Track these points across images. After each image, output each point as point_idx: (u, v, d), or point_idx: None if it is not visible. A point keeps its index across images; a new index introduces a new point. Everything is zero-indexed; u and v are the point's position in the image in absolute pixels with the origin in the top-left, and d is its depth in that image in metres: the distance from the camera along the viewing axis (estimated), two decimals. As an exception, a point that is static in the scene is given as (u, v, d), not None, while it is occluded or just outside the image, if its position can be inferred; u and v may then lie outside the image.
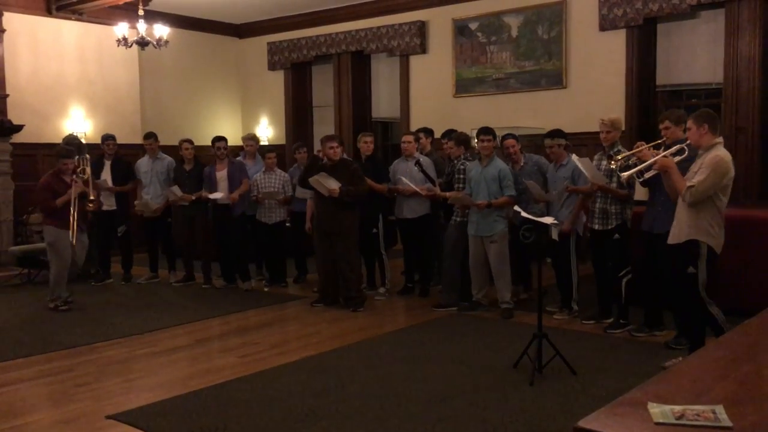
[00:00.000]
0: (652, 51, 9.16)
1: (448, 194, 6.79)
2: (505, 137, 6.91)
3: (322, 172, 6.74)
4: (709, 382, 2.30)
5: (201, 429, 3.94)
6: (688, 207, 4.58)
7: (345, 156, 7.28)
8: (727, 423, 1.92)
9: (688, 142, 4.73)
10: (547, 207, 6.39)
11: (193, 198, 7.94)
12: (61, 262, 7.07)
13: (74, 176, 7.13)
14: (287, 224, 8.21)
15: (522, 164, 6.79)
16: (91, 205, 7.24)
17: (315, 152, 8.00)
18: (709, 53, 8.72)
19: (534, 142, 8.55)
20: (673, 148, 4.83)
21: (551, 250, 6.24)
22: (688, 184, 4.51)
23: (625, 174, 5.04)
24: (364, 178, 6.96)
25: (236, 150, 9.49)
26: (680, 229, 4.67)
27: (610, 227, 5.80)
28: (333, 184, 6.68)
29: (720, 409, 1.99)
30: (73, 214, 6.96)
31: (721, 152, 4.52)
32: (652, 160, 4.81)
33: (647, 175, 5.09)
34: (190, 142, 8.26)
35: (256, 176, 8.04)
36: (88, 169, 7.41)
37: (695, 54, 8.89)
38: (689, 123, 4.68)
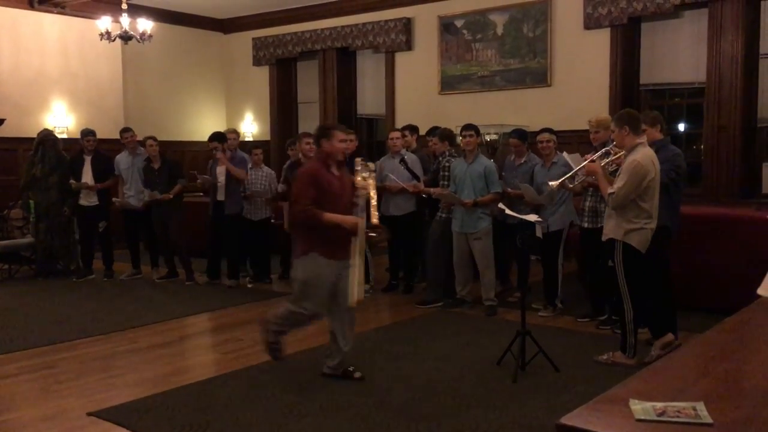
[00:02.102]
0: (636, 50, 9.22)
1: (432, 190, 6.80)
2: (510, 135, 6.95)
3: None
4: (690, 379, 2.31)
5: (183, 426, 3.92)
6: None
7: None
8: (708, 420, 1.94)
9: (614, 143, 4.83)
10: (537, 206, 6.37)
11: (171, 197, 7.96)
12: (310, 306, 4.55)
13: (359, 179, 4.69)
14: (272, 221, 8.18)
15: (522, 161, 6.79)
16: (374, 234, 4.65)
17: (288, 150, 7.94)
18: (693, 53, 8.78)
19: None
20: (601, 152, 4.97)
21: (540, 247, 6.25)
22: (609, 190, 4.62)
23: (554, 183, 5.19)
24: None
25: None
26: (605, 228, 4.81)
27: (600, 225, 5.82)
28: None
29: (701, 406, 2.01)
30: (357, 237, 4.47)
31: (638, 156, 4.57)
32: (580, 165, 4.96)
33: (577, 181, 5.22)
34: (155, 139, 8.20)
35: (243, 173, 8.00)
36: (372, 189, 4.76)
37: (679, 53, 8.96)
38: (612, 125, 4.77)
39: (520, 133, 6.88)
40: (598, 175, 4.81)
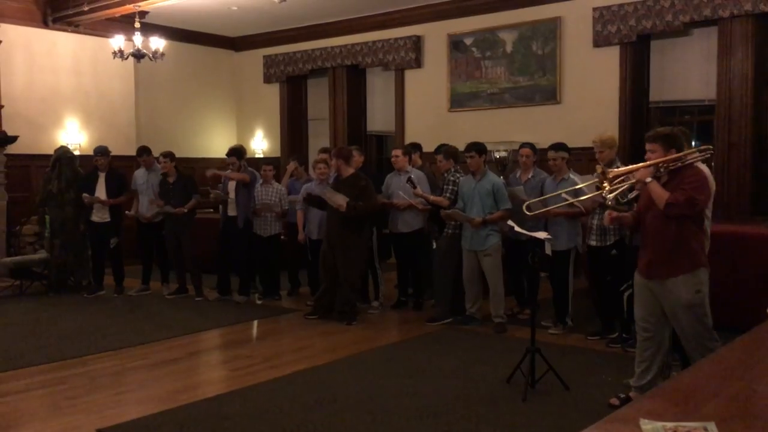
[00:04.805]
0: (645, 67, 9.21)
1: (441, 200, 6.79)
2: (523, 145, 6.93)
3: (329, 189, 6.78)
4: (701, 398, 2.29)
5: (192, 443, 3.92)
6: None
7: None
8: (719, 440, 1.92)
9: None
10: (545, 222, 6.35)
11: (186, 210, 8.01)
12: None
13: None
14: (282, 237, 8.20)
15: (529, 177, 6.78)
16: None
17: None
18: (702, 70, 8.77)
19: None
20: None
21: (547, 264, 6.22)
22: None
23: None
24: (374, 193, 6.98)
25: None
26: None
27: (608, 243, 5.80)
28: (340, 200, 6.70)
29: (712, 427, 1.99)
30: None
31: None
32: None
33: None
34: (167, 155, 8.19)
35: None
36: None
37: (688, 71, 8.95)
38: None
39: (532, 145, 6.90)
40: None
